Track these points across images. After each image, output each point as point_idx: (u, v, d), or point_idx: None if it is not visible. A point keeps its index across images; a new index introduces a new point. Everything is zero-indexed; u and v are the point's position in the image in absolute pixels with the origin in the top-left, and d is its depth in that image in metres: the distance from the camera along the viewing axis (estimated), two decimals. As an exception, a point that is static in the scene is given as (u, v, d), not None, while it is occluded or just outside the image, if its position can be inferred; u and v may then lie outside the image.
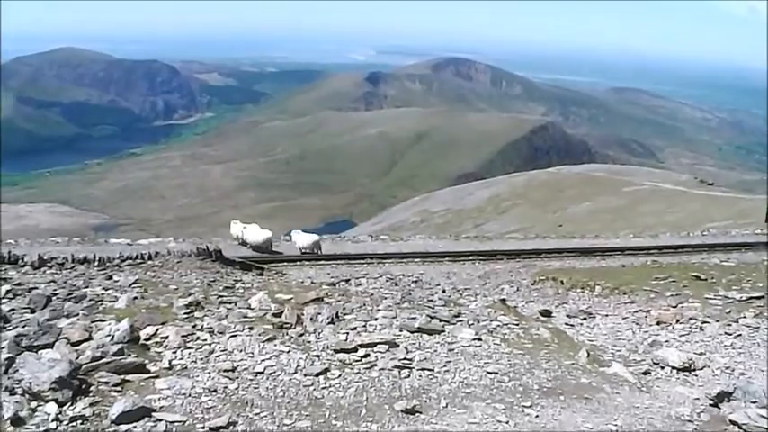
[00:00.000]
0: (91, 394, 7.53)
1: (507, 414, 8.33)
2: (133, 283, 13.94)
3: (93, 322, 10.14)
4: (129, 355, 8.72)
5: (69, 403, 7.24)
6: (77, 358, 8.27)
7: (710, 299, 18.14)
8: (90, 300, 11.87)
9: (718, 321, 15.48)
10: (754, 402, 9.28)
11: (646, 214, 61.42)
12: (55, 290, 12.93)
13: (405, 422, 7.90)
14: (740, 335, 14.30)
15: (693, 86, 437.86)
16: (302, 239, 24.53)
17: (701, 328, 15.05)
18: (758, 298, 18.07)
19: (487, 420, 8.12)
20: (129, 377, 8.13)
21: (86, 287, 13.21)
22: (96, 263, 17.13)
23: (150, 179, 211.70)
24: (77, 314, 10.64)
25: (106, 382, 7.87)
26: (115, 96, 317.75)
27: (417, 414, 8.11)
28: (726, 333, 14.47)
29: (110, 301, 11.86)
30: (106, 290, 13.04)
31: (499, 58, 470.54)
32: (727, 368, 11.91)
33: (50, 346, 8.77)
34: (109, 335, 9.28)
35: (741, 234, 35.00)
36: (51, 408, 7.08)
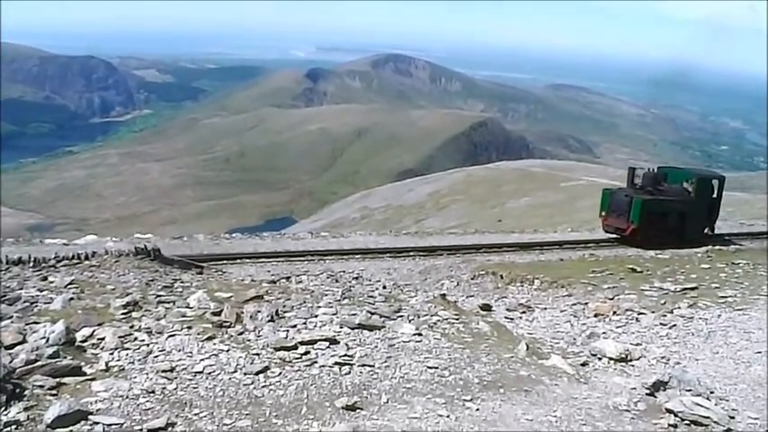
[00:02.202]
0: (25, 398, 7.38)
1: (448, 408, 8.41)
2: (69, 284, 13.63)
3: (27, 324, 9.92)
4: (65, 357, 8.56)
5: (3, 408, 7.09)
6: (11, 362, 8.09)
7: (646, 291, 18.54)
8: (24, 302, 11.60)
9: (653, 312, 15.86)
10: (689, 390, 9.56)
11: (583, 209, 62.02)
12: (-13, 292, 12.62)
13: (345, 419, 7.92)
14: (675, 325, 14.68)
15: (631, 83, 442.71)
16: None
17: (637, 319, 15.41)
18: (692, 289, 18.55)
19: (428, 415, 8.18)
20: (64, 380, 7.98)
21: (21, 289, 12.89)
22: (31, 264, 16.72)
23: (87, 178, 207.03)
24: (11, 317, 10.40)
25: (41, 386, 7.72)
26: (50, 93, 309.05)
27: (358, 410, 8.14)
28: (661, 324, 14.85)
29: (45, 303, 11.61)
30: (41, 291, 12.74)
31: (441, 55, 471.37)
32: (662, 358, 12.24)
33: (-18, 349, 8.58)
34: (44, 337, 9.10)
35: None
36: (-16, 413, 6.93)
